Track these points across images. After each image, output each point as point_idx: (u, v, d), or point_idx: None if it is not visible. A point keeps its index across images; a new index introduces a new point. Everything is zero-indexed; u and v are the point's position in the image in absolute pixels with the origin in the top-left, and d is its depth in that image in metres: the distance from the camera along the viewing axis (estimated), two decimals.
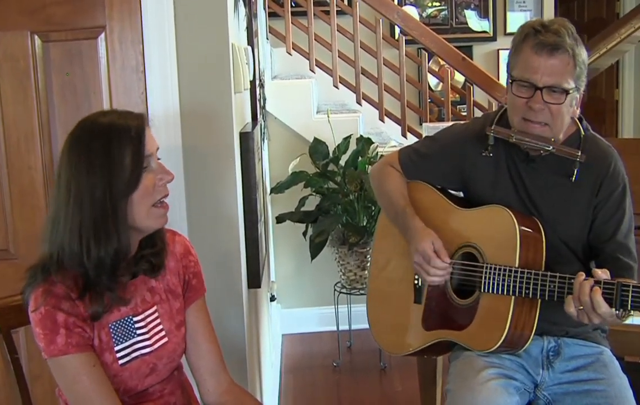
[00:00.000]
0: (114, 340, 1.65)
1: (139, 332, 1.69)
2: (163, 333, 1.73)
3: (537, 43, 1.90)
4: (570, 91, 1.91)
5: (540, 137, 1.95)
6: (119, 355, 1.65)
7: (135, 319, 1.69)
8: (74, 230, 1.55)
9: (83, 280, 1.58)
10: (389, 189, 2.26)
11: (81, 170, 1.55)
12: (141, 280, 1.71)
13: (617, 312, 1.76)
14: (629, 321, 2.34)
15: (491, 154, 2.06)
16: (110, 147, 1.56)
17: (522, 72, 1.93)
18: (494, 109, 4.14)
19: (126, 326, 1.67)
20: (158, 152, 1.65)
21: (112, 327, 1.65)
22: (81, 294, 1.58)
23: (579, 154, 1.94)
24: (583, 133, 2.04)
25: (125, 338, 1.66)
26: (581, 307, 1.78)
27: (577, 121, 2.06)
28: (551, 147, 1.95)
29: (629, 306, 1.74)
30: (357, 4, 4.57)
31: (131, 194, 1.57)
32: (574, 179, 1.97)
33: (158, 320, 1.73)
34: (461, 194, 2.24)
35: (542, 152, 1.98)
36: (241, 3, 2.75)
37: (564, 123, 1.97)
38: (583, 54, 1.92)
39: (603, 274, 1.79)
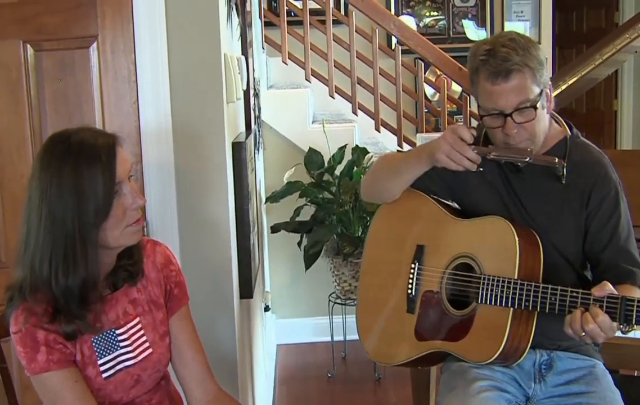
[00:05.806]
0: (96, 354, 1.64)
1: (122, 344, 1.68)
2: (147, 344, 1.72)
3: (490, 73, 1.89)
4: (538, 101, 1.91)
5: (518, 149, 1.94)
6: (102, 368, 1.64)
7: (117, 331, 1.68)
8: (44, 255, 1.54)
9: (53, 305, 1.57)
10: (383, 165, 2.24)
11: (52, 196, 1.53)
12: (122, 292, 1.71)
13: (622, 326, 1.75)
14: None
15: (482, 168, 2.05)
16: (80, 173, 1.53)
17: (486, 103, 1.94)
18: None
19: (109, 339, 1.66)
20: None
21: (95, 341, 1.64)
22: (52, 319, 1.57)
23: (557, 160, 1.93)
24: (570, 135, 2.03)
25: (108, 351, 1.66)
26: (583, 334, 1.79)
27: (567, 128, 2.05)
28: (528, 158, 1.94)
29: (634, 320, 1.73)
30: (354, 13, 4.57)
31: (101, 224, 1.56)
32: (563, 181, 1.96)
33: (141, 332, 1.72)
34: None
35: (519, 163, 1.97)
36: (234, 13, 2.75)
37: (544, 127, 1.97)
38: (537, 55, 1.91)
39: (601, 291, 1.78)
